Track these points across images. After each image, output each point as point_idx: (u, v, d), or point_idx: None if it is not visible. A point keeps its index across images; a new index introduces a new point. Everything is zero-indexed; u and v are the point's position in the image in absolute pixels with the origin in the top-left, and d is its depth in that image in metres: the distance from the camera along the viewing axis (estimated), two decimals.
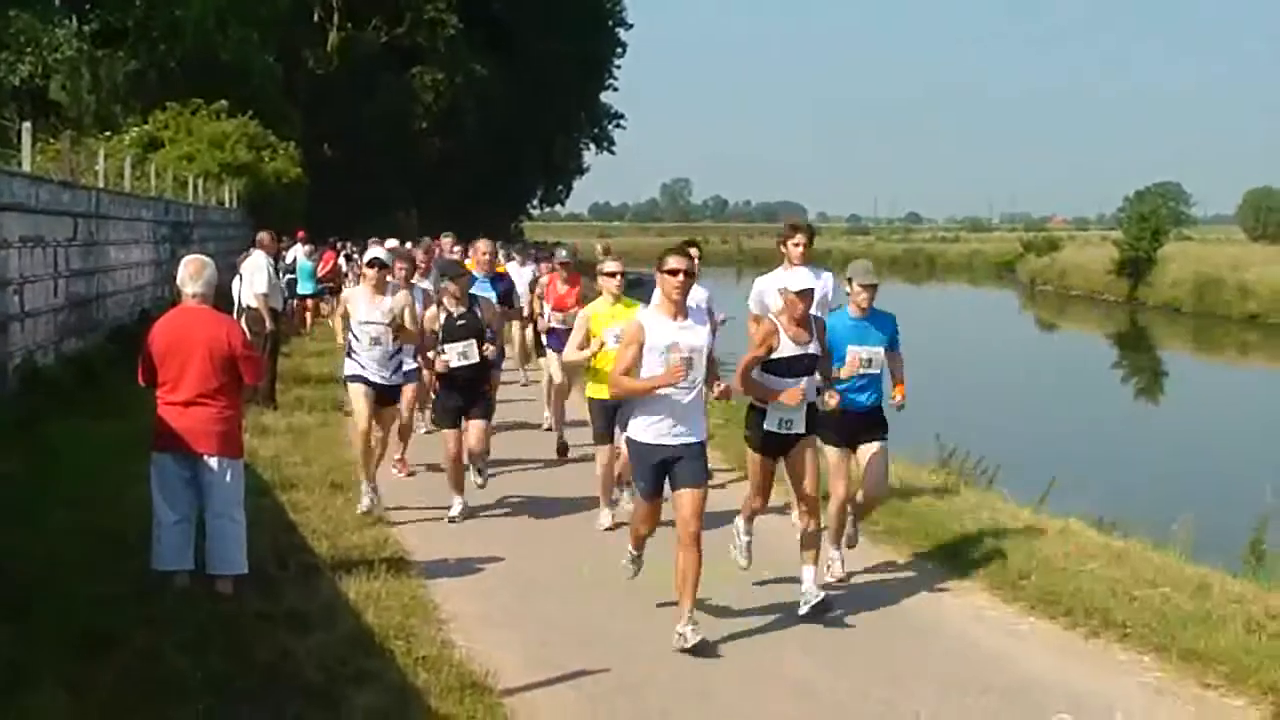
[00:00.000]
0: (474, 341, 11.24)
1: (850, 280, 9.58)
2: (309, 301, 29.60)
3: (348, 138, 61.05)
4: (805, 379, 8.67)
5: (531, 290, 17.46)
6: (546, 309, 15.18)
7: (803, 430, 8.70)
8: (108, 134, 36.45)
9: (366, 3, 65.65)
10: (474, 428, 11.49)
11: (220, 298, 9.19)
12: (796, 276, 8.84)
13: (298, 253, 29.25)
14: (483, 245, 14.85)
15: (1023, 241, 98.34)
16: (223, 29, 44.74)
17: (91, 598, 7.95)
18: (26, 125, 18.45)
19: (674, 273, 8.08)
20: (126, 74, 44.39)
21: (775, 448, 8.79)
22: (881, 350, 9.50)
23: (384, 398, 11.72)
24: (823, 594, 8.65)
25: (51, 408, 14.27)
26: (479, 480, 11.86)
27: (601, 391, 10.75)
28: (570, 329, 13.92)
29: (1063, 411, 28.68)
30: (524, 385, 19.74)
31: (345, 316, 11.82)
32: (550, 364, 15.26)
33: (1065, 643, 8.41)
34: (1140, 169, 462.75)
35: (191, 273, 8.64)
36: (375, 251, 12.16)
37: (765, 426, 8.67)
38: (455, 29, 66.77)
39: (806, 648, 8.13)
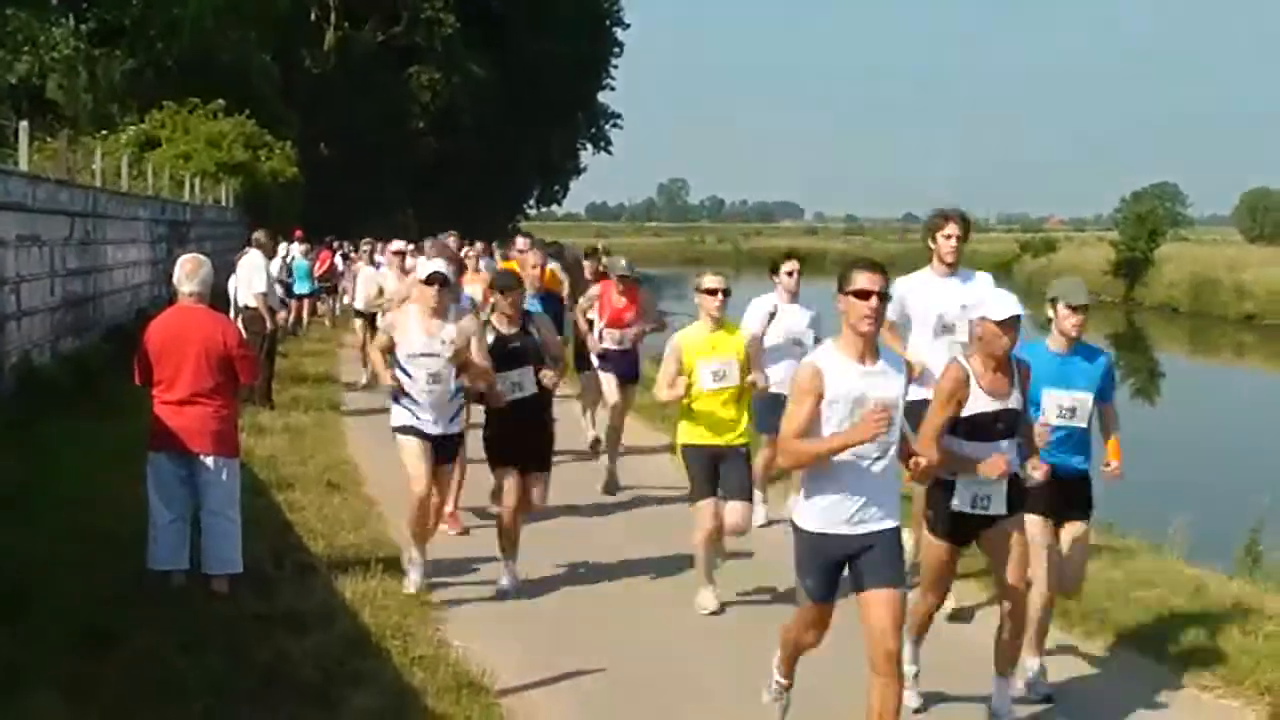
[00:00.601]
0: (529, 369, 9.12)
1: (1054, 302, 7.31)
2: (305, 301, 29.60)
3: (344, 137, 61.02)
4: (1006, 443, 6.69)
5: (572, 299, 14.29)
6: (597, 324, 12.93)
7: (1003, 510, 6.77)
8: (104, 133, 36.41)
9: (363, 2, 65.62)
10: (529, 485, 9.36)
11: (216, 297, 9.19)
12: (1000, 300, 6.67)
13: (294, 252, 29.21)
14: (532, 257, 12.42)
15: (1019, 242, 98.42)
16: (220, 28, 44.69)
17: (89, 597, 7.96)
18: (23, 124, 18.41)
19: (864, 295, 5.93)
20: (123, 73, 44.34)
21: (963, 532, 6.89)
22: (1090, 397, 7.35)
23: (442, 452, 9.12)
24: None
25: (48, 407, 14.25)
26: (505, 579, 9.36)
27: (698, 436, 8.81)
28: (627, 349, 12.76)
29: None
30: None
31: (388, 348, 9.01)
32: (607, 389, 12.86)
33: (1063, 644, 8.39)
34: (1137, 169, 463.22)
35: (188, 272, 8.65)
36: (434, 264, 9.11)
37: (954, 505, 6.77)
38: (452, 28, 66.75)
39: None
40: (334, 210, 51.76)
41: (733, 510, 8.84)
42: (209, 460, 8.44)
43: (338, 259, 33.24)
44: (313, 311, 30.62)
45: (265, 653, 7.34)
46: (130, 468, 9.62)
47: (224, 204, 38.75)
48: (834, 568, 6.14)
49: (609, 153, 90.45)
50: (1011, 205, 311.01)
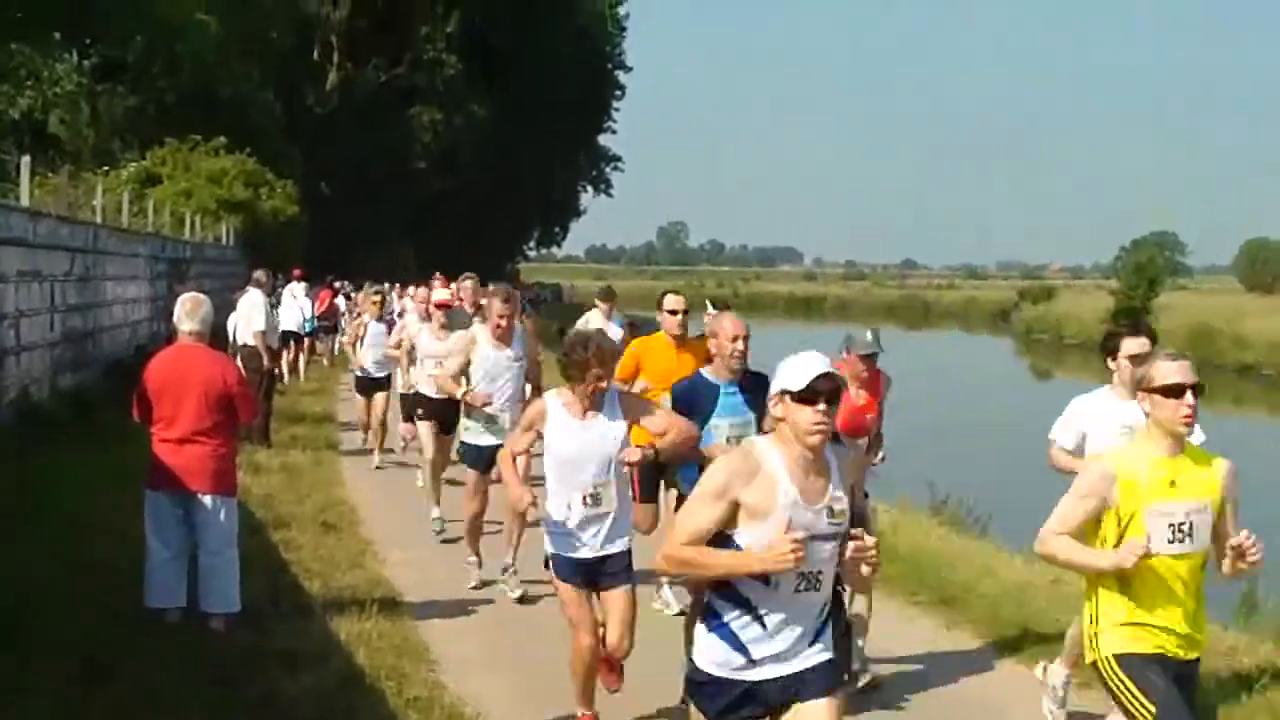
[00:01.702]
0: None
1: None
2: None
3: (346, 176, 61.18)
4: None
5: None
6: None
7: None
8: (106, 169, 36.53)
9: (366, 42, 65.95)
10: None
11: (215, 335, 9.20)
12: None
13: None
14: (730, 324, 7.59)
15: (1019, 289, 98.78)
16: (223, 65, 44.89)
17: (84, 625, 7.96)
18: (25, 159, 18.49)
19: None
20: (125, 109, 44.57)
21: None
22: None
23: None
24: None
25: (46, 441, 14.25)
26: None
27: (1145, 641, 5.30)
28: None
29: None
30: None
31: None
32: None
33: None
34: (1137, 218, 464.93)
35: (188, 310, 8.66)
36: (815, 361, 5.02)
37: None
38: (455, 69, 67.09)
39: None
40: (332, 246, 51.83)
41: None
42: (207, 500, 8.44)
43: (339, 299, 33.25)
44: (311, 351, 30.58)
45: (259, 688, 7.33)
46: (126, 502, 9.62)
47: (224, 242, 38.83)
48: None
49: (609, 195, 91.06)
50: (1010, 252, 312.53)
